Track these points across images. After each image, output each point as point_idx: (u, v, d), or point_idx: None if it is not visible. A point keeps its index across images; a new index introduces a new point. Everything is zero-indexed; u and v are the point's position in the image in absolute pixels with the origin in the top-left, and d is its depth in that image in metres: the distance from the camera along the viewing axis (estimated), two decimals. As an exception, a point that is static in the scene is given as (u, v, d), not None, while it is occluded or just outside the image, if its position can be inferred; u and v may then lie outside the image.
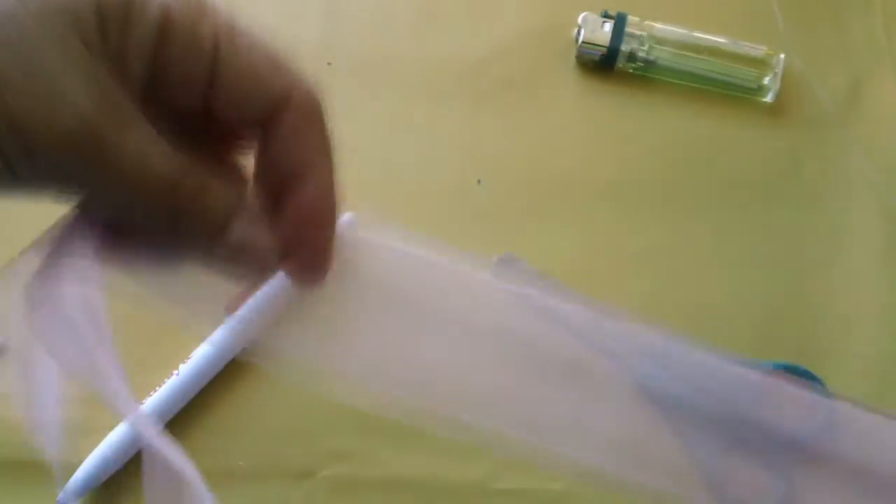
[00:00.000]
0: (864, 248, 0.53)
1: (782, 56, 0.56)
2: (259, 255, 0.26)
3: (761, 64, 0.56)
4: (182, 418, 0.46)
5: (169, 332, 0.48)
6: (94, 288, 0.25)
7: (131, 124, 0.22)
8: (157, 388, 0.45)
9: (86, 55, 0.21)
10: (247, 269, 0.27)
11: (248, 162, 0.27)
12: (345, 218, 0.50)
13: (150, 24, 0.22)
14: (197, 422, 0.46)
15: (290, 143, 0.25)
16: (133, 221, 0.23)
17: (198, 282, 0.28)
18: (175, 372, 0.46)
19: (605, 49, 0.55)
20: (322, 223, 0.27)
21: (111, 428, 0.45)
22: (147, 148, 0.22)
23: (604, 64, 0.56)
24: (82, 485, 0.43)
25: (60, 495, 0.43)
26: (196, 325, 0.33)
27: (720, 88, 0.56)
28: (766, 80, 0.56)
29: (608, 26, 0.55)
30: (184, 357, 0.47)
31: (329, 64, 0.56)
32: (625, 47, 0.55)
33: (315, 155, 0.25)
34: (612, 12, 0.56)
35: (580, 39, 0.55)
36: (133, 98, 0.22)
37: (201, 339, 0.47)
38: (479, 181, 0.54)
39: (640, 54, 0.55)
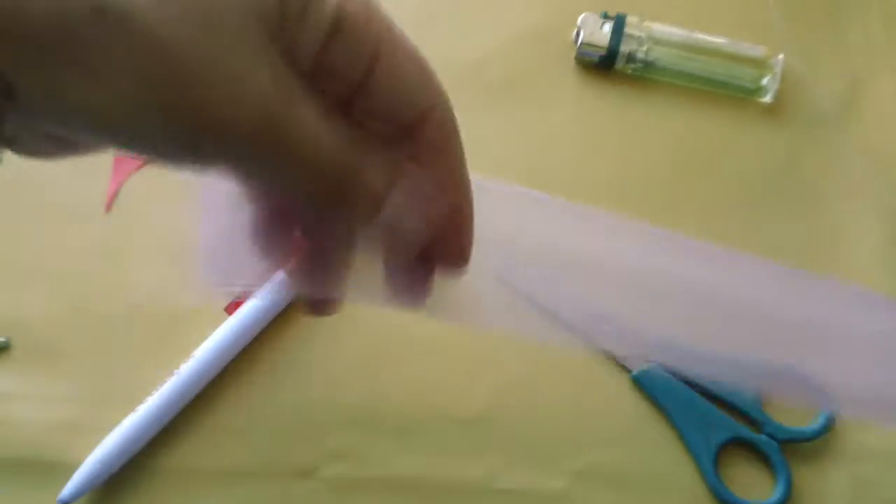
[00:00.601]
0: (863, 248, 0.53)
1: (781, 57, 0.56)
2: (409, 233, 0.26)
3: (760, 64, 0.56)
4: (182, 418, 0.46)
5: (170, 332, 0.48)
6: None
7: (307, 110, 0.22)
8: (158, 387, 0.46)
9: (268, 46, 0.21)
10: (396, 246, 0.27)
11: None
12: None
13: (324, 20, 0.23)
14: (197, 422, 0.46)
15: (426, 158, 0.26)
16: (299, 200, 0.24)
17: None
18: (176, 371, 0.46)
19: (604, 50, 0.55)
20: (459, 237, 0.28)
21: (111, 428, 0.45)
22: (321, 131, 0.23)
23: (603, 65, 0.56)
24: (83, 484, 0.43)
25: (61, 495, 0.43)
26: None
27: (719, 89, 0.57)
28: (764, 81, 0.56)
29: (607, 27, 0.55)
30: (184, 357, 0.47)
31: (329, 64, 0.56)
32: (624, 48, 0.55)
33: (450, 172, 0.27)
34: (612, 13, 0.56)
35: (579, 40, 0.55)
36: (302, 86, 0.22)
37: (202, 339, 0.47)
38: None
39: (640, 55, 0.56)
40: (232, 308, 0.49)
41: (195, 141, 0.21)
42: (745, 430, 0.48)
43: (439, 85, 0.26)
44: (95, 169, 0.51)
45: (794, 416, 0.49)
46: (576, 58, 0.56)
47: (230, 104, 0.20)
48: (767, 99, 0.56)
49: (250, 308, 0.48)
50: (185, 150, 0.21)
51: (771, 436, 0.48)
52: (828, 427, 0.48)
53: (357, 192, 0.24)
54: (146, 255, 0.50)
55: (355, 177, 0.24)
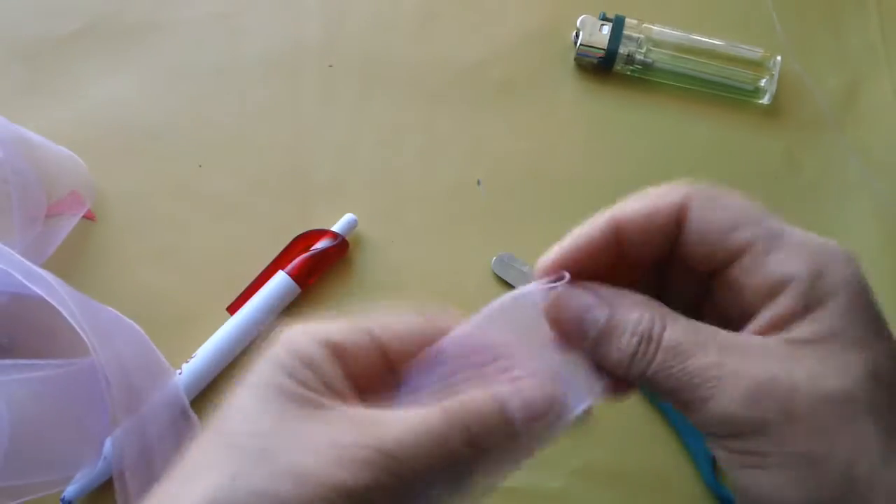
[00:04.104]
0: (860, 249, 0.52)
1: (779, 58, 0.56)
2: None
3: (758, 66, 0.56)
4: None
5: (172, 333, 0.48)
6: None
7: None
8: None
9: None
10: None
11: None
12: (345, 218, 0.51)
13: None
14: (201, 419, 0.47)
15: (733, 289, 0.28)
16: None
17: None
18: (178, 371, 0.46)
19: (603, 51, 0.55)
20: None
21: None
22: None
23: (602, 66, 0.56)
24: (86, 483, 0.44)
25: (65, 493, 0.43)
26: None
27: (717, 90, 0.57)
28: (762, 83, 0.56)
29: (606, 29, 0.56)
30: (187, 356, 0.47)
31: (330, 66, 0.56)
32: (623, 50, 0.55)
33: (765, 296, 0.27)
34: (611, 15, 0.56)
35: (579, 42, 0.56)
36: None
37: (204, 338, 0.48)
38: (478, 181, 0.54)
39: (638, 56, 0.56)
40: (234, 308, 0.49)
41: None
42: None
43: (756, 218, 0.28)
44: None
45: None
46: (575, 59, 0.57)
47: None
48: (765, 100, 0.56)
49: (251, 308, 0.48)
50: None
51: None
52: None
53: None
54: (146, 258, 0.51)
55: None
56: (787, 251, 0.27)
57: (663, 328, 0.27)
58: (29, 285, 0.40)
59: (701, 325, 0.27)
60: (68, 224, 0.50)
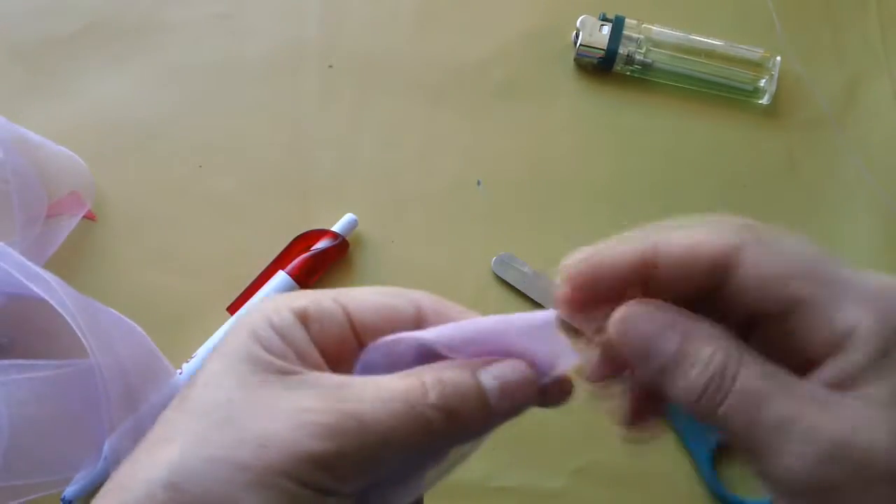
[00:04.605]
0: (860, 248, 0.54)
1: (779, 58, 0.56)
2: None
3: (758, 66, 0.56)
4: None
5: (172, 333, 0.48)
6: None
7: None
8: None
9: None
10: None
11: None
12: (345, 218, 0.51)
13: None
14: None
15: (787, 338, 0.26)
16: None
17: None
18: (179, 371, 0.46)
19: (603, 52, 0.55)
20: None
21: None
22: None
23: (602, 66, 0.56)
24: (87, 483, 0.44)
25: (65, 493, 0.43)
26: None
27: (717, 91, 0.57)
28: (762, 83, 0.56)
29: (606, 29, 0.56)
30: (187, 356, 0.47)
31: (330, 66, 0.56)
32: (622, 50, 0.55)
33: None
34: (610, 15, 0.56)
35: (578, 42, 0.56)
36: None
37: (204, 338, 0.48)
38: (478, 181, 0.54)
39: (638, 57, 0.56)
40: (234, 308, 0.49)
41: None
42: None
43: (812, 268, 0.26)
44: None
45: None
46: (575, 59, 0.57)
47: None
48: (765, 100, 0.56)
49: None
50: None
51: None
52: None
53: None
54: (146, 258, 0.51)
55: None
56: (852, 301, 0.25)
57: (738, 367, 0.25)
58: (29, 286, 0.40)
59: (776, 368, 0.25)
60: (69, 224, 0.50)
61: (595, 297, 0.28)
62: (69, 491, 0.44)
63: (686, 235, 0.27)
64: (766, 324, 0.27)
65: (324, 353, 0.27)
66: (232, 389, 0.24)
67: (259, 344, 0.25)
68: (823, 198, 0.55)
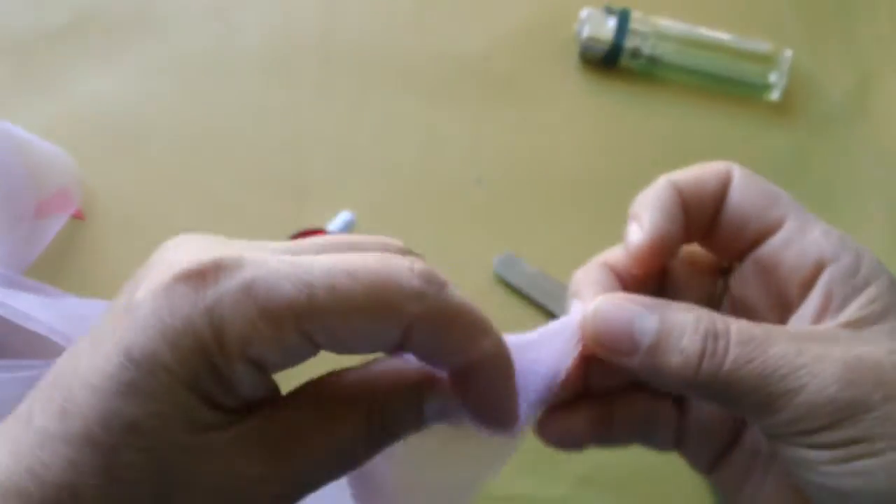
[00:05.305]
0: (872, 245, 0.52)
1: (789, 53, 0.55)
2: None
3: (767, 60, 0.55)
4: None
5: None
6: None
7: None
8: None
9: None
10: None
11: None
12: (343, 216, 0.50)
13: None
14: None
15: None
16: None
17: None
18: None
19: (608, 45, 0.54)
20: None
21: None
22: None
23: (607, 60, 0.55)
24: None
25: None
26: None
27: (726, 86, 0.56)
28: (772, 77, 0.55)
29: (611, 22, 0.55)
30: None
31: (327, 63, 0.55)
32: (628, 43, 0.54)
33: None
34: (616, 8, 0.55)
35: (583, 35, 0.55)
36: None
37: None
38: (479, 180, 0.53)
39: (644, 50, 0.55)
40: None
41: None
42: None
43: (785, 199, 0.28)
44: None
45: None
46: (579, 53, 0.56)
47: None
48: (775, 96, 0.55)
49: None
50: None
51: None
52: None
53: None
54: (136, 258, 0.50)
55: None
56: (822, 232, 0.27)
57: (727, 323, 0.25)
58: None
59: (762, 323, 0.25)
60: (57, 223, 0.49)
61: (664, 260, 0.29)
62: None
63: (689, 171, 0.29)
64: (744, 271, 0.28)
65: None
66: (159, 452, 0.21)
67: (198, 395, 0.21)
68: (835, 196, 0.54)
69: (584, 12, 0.55)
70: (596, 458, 0.47)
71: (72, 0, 0.56)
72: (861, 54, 0.58)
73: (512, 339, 0.25)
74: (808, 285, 0.26)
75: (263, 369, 0.22)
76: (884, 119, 0.56)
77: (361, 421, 0.23)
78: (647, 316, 0.26)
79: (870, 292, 0.26)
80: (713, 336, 0.25)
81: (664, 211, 0.28)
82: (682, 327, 0.25)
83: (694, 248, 0.30)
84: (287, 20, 0.56)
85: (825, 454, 0.24)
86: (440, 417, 0.24)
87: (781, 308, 0.27)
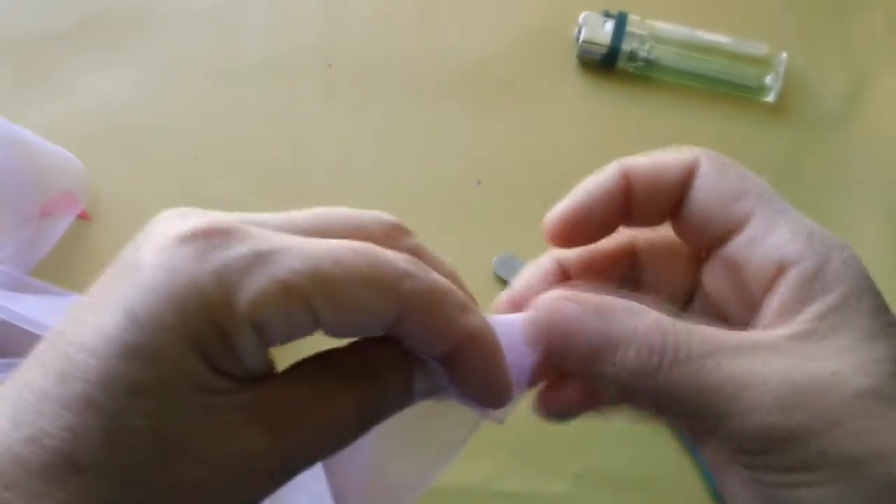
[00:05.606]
0: (867, 247, 0.53)
1: (784, 55, 0.56)
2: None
3: (763, 63, 0.56)
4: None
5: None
6: None
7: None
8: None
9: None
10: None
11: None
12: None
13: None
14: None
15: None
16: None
17: None
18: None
19: (605, 48, 0.55)
20: None
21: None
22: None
23: (605, 63, 0.56)
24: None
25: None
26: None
27: (722, 88, 0.56)
28: (767, 80, 0.56)
29: (609, 25, 0.55)
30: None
31: (329, 66, 0.55)
32: (626, 46, 0.55)
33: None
34: (613, 11, 0.56)
35: (581, 39, 0.55)
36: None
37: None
38: (478, 181, 0.53)
39: (642, 53, 0.55)
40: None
41: None
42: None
43: (755, 189, 0.27)
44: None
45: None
46: (577, 56, 0.56)
47: None
48: (770, 98, 0.56)
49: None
50: None
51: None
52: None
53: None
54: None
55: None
56: (790, 231, 0.25)
57: (666, 335, 0.24)
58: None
59: (712, 328, 0.24)
60: (62, 224, 0.50)
61: (583, 239, 0.29)
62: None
63: (650, 158, 0.29)
64: (712, 266, 0.27)
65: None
66: (163, 417, 0.20)
67: (202, 359, 0.20)
68: (829, 196, 0.54)
69: (581, 16, 0.55)
70: (594, 456, 0.48)
71: (77, 3, 0.56)
72: (855, 57, 0.58)
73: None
74: (769, 288, 0.25)
75: (265, 339, 0.21)
76: (877, 120, 0.56)
77: (356, 398, 0.23)
78: (586, 321, 0.25)
79: (827, 300, 0.24)
80: (648, 351, 0.24)
81: (588, 192, 0.28)
82: (617, 339, 0.24)
83: (672, 236, 0.29)
84: (289, 23, 0.56)
85: (765, 478, 0.23)
86: (428, 394, 0.25)
87: (749, 306, 0.26)
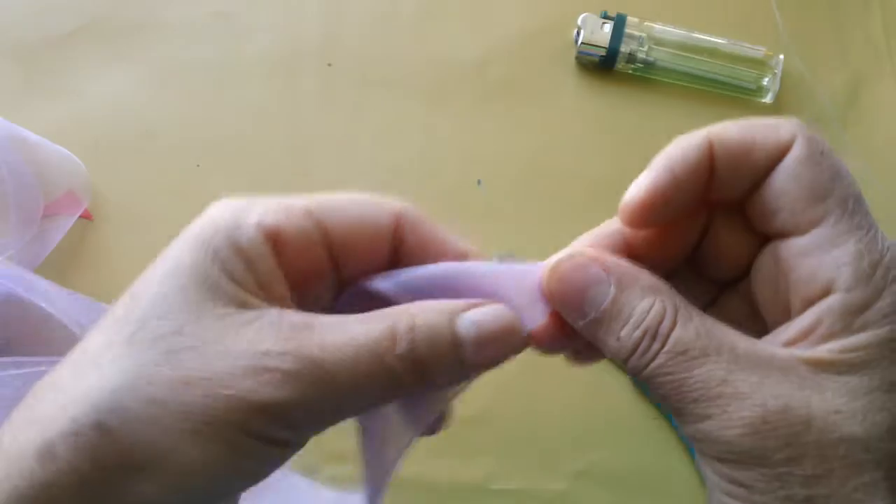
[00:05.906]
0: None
1: (781, 57, 0.56)
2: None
3: (760, 65, 0.56)
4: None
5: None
6: None
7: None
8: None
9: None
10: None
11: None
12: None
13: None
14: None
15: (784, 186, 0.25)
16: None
17: None
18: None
19: (604, 50, 0.55)
20: None
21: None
22: None
23: (603, 65, 0.56)
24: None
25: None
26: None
27: (719, 89, 0.56)
28: (765, 81, 0.56)
29: (608, 27, 0.55)
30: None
31: (329, 65, 0.56)
32: (624, 48, 0.55)
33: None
34: (612, 13, 0.56)
35: (580, 40, 0.55)
36: None
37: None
38: (479, 181, 0.53)
39: (640, 55, 0.55)
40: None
41: None
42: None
43: (790, 123, 0.26)
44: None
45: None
46: (576, 58, 0.56)
47: None
48: (768, 99, 0.56)
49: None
50: None
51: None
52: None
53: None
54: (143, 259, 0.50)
55: None
56: (851, 255, 0.23)
57: (673, 325, 0.23)
58: (26, 296, 0.40)
59: (718, 327, 0.24)
60: (65, 224, 0.50)
61: (662, 221, 0.27)
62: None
63: (740, 130, 0.26)
64: (761, 260, 0.26)
65: (290, 274, 0.24)
66: (182, 320, 0.22)
67: (220, 268, 0.23)
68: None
69: (580, 18, 0.55)
70: (594, 454, 0.48)
71: (79, 6, 0.56)
72: (852, 59, 0.58)
73: (471, 266, 0.27)
74: (810, 303, 0.24)
75: (278, 250, 0.24)
76: (874, 122, 0.57)
77: (387, 329, 0.23)
78: (601, 287, 0.24)
79: (861, 338, 0.23)
80: (651, 336, 0.24)
81: (672, 172, 0.26)
82: (628, 313, 0.24)
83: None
84: (290, 26, 0.57)
85: (713, 478, 0.24)
86: (475, 329, 0.24)
87: (783, 309, 0.25)
